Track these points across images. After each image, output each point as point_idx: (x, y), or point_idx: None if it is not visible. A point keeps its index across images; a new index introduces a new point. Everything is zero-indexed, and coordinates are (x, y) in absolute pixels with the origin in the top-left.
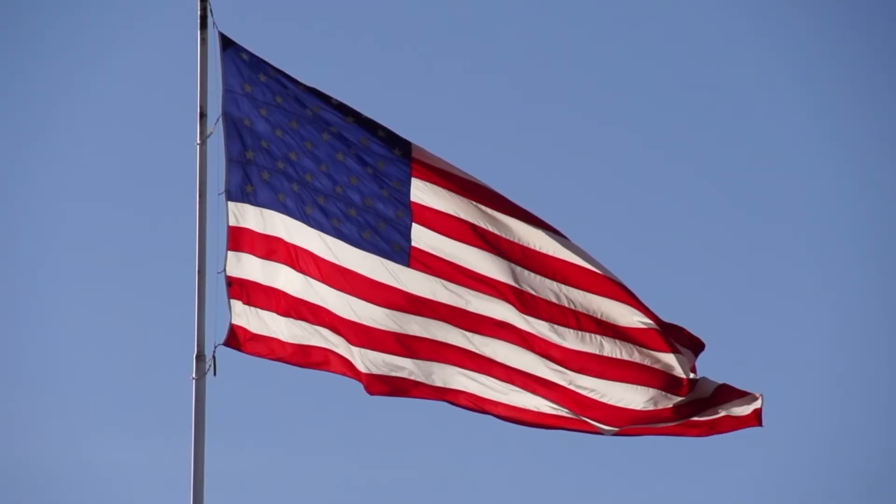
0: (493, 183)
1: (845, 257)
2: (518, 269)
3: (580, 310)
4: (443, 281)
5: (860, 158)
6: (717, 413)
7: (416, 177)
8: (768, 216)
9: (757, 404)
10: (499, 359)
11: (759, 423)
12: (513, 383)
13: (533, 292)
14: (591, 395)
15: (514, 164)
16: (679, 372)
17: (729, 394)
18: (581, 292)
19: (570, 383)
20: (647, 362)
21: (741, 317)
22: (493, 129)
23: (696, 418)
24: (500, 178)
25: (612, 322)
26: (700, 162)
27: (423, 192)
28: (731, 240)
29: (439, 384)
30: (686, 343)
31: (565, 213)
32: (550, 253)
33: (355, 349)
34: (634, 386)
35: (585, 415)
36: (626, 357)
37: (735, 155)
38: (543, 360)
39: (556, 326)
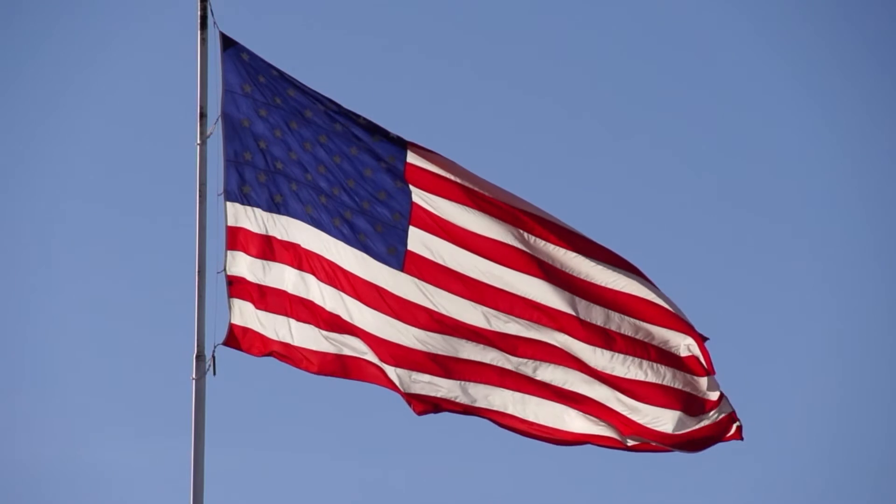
0: (494, 181)
1: (846, 257)
2: (539, 282)
3: (625, 332)
4: (465, 299)
5: (860, 158)
6: (721, 434)
7: (416, 180)
8: (769, 216)
9: (736, 425)
10: (537, 376)
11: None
12: (551, 400)
13: (564, 310)
14: (628, 413)
15: (512, 162)
16: (712, 396)
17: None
18: (634, 319)
19: (607, 401)
20: (687, 388)
21: (741, 316)
22: (493, 130)
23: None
24: (501, 177)
25: (651, 343)
26: (700, 162)
27: (422, 196)
28: (731, 240)
29: (481, 405)
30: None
31: (564, 213)
32: (574, 271)
33: (390, 368)
34: (672, 411)
35: (623, 432)
36: (669, 383)
37: (735, 155)
38: (582, 375)
39: (595, 348)
